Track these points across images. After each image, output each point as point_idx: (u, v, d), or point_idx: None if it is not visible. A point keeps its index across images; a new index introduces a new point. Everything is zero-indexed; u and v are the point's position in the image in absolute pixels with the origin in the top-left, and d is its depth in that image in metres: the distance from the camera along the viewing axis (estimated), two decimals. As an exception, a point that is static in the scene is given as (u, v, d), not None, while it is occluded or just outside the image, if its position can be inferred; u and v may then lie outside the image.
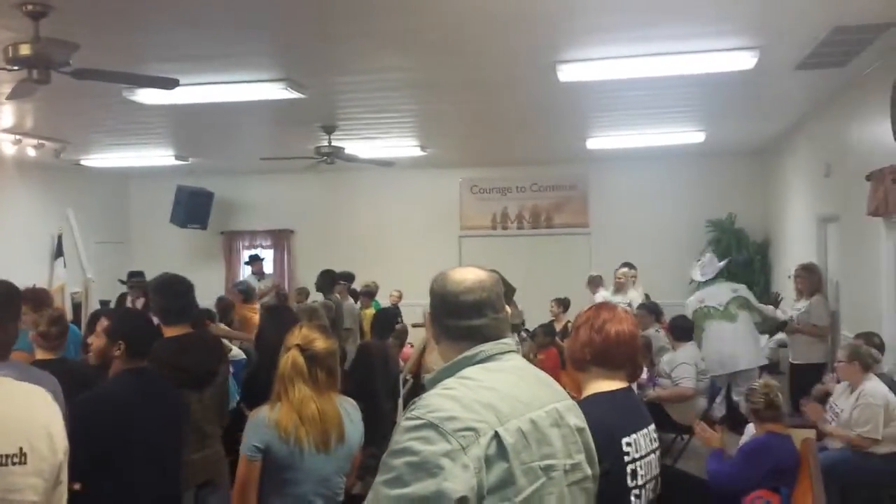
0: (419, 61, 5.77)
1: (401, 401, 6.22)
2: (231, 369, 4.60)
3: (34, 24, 4.20)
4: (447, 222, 12.33)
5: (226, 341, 5.63)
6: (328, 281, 8.52)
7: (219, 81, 6.06)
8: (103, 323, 3.27)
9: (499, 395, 1.73)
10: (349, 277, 9.57)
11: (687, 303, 7.78)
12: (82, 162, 10.46)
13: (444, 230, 12.26)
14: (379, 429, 5.02)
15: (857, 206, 6.15)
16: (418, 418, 1.64)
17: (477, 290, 1.89)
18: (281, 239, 12.98)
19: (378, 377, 5.91)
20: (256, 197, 12.91)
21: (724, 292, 7.50)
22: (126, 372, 3.18)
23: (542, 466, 1.72)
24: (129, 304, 8.54)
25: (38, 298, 5.61)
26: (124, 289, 9.20)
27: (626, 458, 2.18)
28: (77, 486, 2.50)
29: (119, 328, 3.22)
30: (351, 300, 9.17)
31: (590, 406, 2.12)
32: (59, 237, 10.68)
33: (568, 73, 5.77)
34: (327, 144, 8.54)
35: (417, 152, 10.03)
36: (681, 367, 6.56)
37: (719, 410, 7.21)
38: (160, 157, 10.44)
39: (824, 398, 5.68)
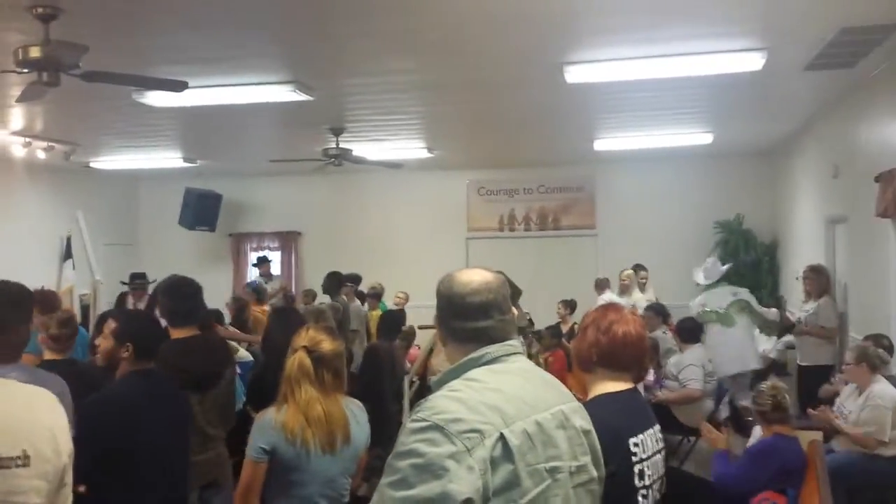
0: (427, 63, 5.78)
1: (406, 402, 6.22)
2: (238, 370, 4.61)
3: (44, 26, 4.23)
4: (454, 224, 12.33)
5: (232, 343, 5.64)
6: (335, 283, 8.53)
7: (227, 84, 6.08)
8: (111, 325, 3.27)
9: (504, 397, 1.73)
10: (356, 279, 9.58)
11: (690, 306, 7.78)
12: (92, 164, 10.51)
13: (451, 232, 12.26)
14: (385, 430, 5.02)
15: (865, 208, 6.13)
16: (424, 420, 1.64)
17: (483, 292, 1.89)
18: (288, 241, 13.00)
19: (385, 379, 5.91)
20: (264, 199, 12.94)
21: (724, 296, 7.49)
22: (133, 374, 3.18)
23: (547, 468, 1.72)
24: (130, 305, 8.56)
25: (47, 301, 5.64)
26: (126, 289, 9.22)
27: (634, 459, 2.17)
28: (82, 489, 2.51)
29: (127, 330, 3.22)
30: (357, 302, 9.18)
31: (597, 407, 2.12)
32: (69, 239, 10.73)
33: (575, 74, 5.77)
34: (335, 146, 8.56)
35: (425, 154, 10.04)
36: (688, 368, 6.54)
37: (725, 412, 7.20)
38: (169, 159, 10.47)
39: (832, 399, 5.66)
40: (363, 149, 9.20)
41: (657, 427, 2.35)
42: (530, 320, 8.75)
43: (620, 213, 11.69)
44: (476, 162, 11.69)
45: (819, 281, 7.16)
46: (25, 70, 4.33)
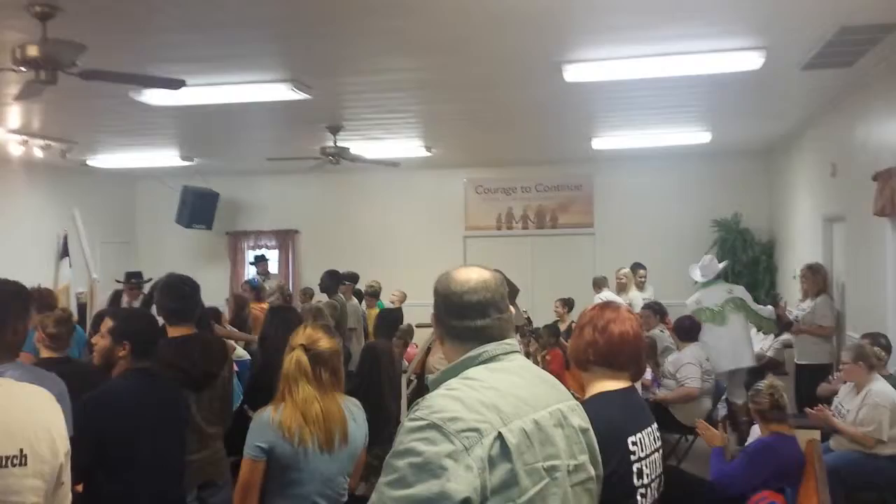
0: (424, 61, 5.78)
1: (404, 401, 6.22)
2: (235, 368, 4.60)
3: (41, 25, 4.23)
4: (452, 222, 12.33)
5: (230, 341, 5.63)
6: (333, 281, 8.53)
7: (225, 82, 6.07)
8: (108, 323, 3.26)
9: (502, 396, 1.73)
10: (353, 278, 9.58)
11: (686, 303, 7.79)
12: (89, 162, 10.49)
13: (449, 230, 12.27)
14: (384, 429, 5.02)
15: (863, 206, 6.14)
16: (421, 419, 1.64)
17: (481, 291, 1.88)
18: (286, 239, 13.00)
19: (383, 377, 5.91)
20: (262, 197, 12.94)
21: (720, 293, 7.49)
22: (131, 372, 3.18)
23: (545, 467, 1.72)
24: (124, 303, 8.55)
25: (44, 299, 5.63)
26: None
27: (633, 458, 2.17)
28: (78, 488, 2.50)
29: (125, 328, 3.21)
30: (355, 300, 9.18)
31: (595, 406, 2.12)
32: (65, 237, 10.71)
33: (573, 73, 5.77)
34: (333, 145, 8.55)
35: (423, 152, 10.03)
36: (686, 367, 6.55)
37: (723, 410, 7.21)
38: (166, 157, 10.46)
39: (830, 398, 5.66)
40: (361, 147, 9.20)
41: (655, 425, 2.35)
42: (529, 319, 8.75)
43: (618, 212, 11.69)
44: (474, 160, 11.69)
45: (816, 279, 7.17)
46: (23, 68, 4.32)
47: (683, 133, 9.15)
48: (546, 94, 6.79)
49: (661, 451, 2.35)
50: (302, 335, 2.96)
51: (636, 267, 10.09)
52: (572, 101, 7.16)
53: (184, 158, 10.52)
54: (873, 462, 4.89)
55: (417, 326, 8.89)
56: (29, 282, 3.04)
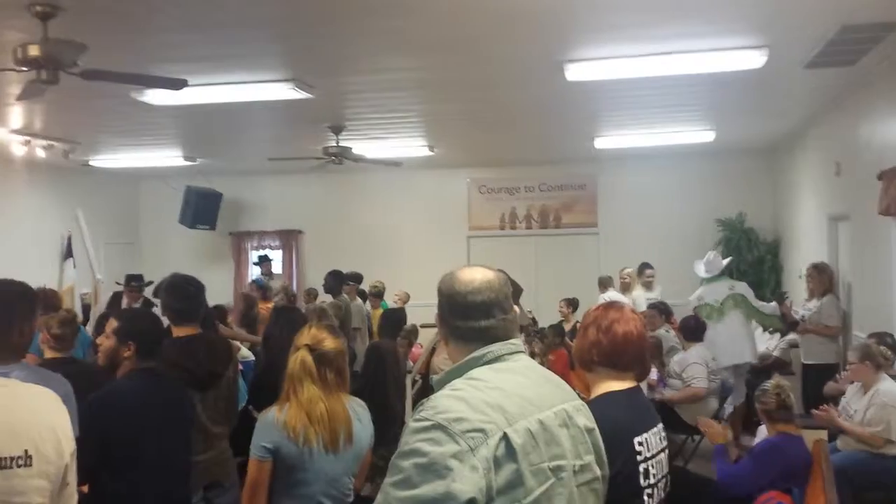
0: (426, 61, 5.77)
1: (409, 401, 6.21)
2: (240, 368, 4.59)
3: (43, 24, 4.22)
4: (455, 222, 12.33)
5: (234, 341, 5.63)
6: (336, 281, 8.53)
7: (227, 82, 6.07)
8: (113, 324, 3.26)
9: (507, 396, 1.72)
10: (357, 278, 9.57)
11: (689, 300, 7.80)
12: (91, 163, 10.50)
13: (452, 230, 12.26)
14: (389, 430, 5.01)
15: (868, 205, 6.12)
16: (426, 419, 1.64)
17: (485, 291, 1.87)
18: (289, 239, 13.00)
19: (388, 378, 5.90)
20: (265, 197, 12.94)
21: (721, 290, 7.51)
22: (136, 372, 3.18)
23: (551, 467, 1.71)
24: (124, 306, 8.54)
25: (49, 300, 5.64)
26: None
27: (639, 458, 2.17)
28: (84, 489, 2.50)
29: (129, 329, 3.21)
30: (359, 300, 9.18)
31: (601, 406, 2.11)
32: (69, 238, 10.71)
33: (576, 72, 5.76)
34: (335, 144, 8.55)
35: (425, 152, 10.03)
36: (692, 366, 6.53)
37: (730, 410, 7.19)
38: (169, 157, 10.46)
39: (837, 397, 5.65)
40: (363, 147, 9.20)
41: (660, 425, 2.34)
42: (533, 319, 8.75)
43: (622, 212, 11.68)
44: (477, 160, 11.68)
45: (822, 279, 7.15)
46: (24, 68, 4.33)
47: (687, 132, 9.14)
48: (548, 93, 6.79)
49: (667, 451, 2.33)
50: (307, 335, 2.96)
51: (644, 267, 10.06)
52: (575, 100, 7.15)
53: (186, 158, 10.52)
54: (881, 462, 4.88)
55: (421, 327, 8.89)
56: (33, 282, 3.03)
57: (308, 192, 12.60)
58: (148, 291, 8.14)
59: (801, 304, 7.60)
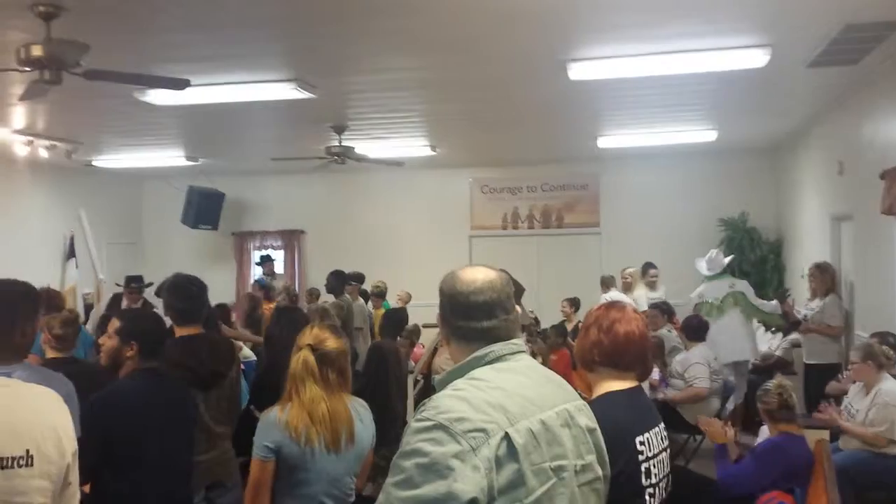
0: (429, 61, 5.77)
1: (411, 401, 6.21)
2: (242, 367, 4.59)
3: (46, 25, 4.23)
4: (458, 222, 12.32)
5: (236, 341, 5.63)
6: (339, 282, 8.54)
7: (229, 82, 6.07)
8: (115, 323, 3.27)
9: (508, 396, 1.72)
10: (359, 278, 9.58)
11: (690, 297, 7.80)
12: (94, 163, 10.50)
13: (454, 230, 12.26)
14: (391, 430, 5.02)
15: (870, 205, 6.11)
16: (428, 419, 1.63)
17: (487, 291, 1.87)
18: (291, 239, 13.00)
19: (390, 377, 5.90)
20: (267, 197, 12.94)
21: (722, 287, 7.52)
22: (138, 372, 3.18)
23: (552, 467, 1.71)
24: (124, 306, 8.55)
25: (51, 300, 5.64)
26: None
27: (641, 458, 2.16)
28: (86, 489, 2.50)
29: (132, 329, 3.22)
30: (361, 300, 9.18)
31: (602, 406, 2.11)
32: (71, 238, 10.73)
33: (578, 71, 5.75)
34: (338, 144, 8.55)
35: (428, 152, 10.03)
36: (694, 366, 6.53)
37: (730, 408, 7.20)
38: (171, 157, 10.47)
39: (839, 396, 5.64)
40: (366, 147, 9.19)
41: (662, 425, 2.34)
42: (536, 319, 8.74)
43: (624, 211, 11.66)
44: (479, 160, 11.68)
45: (825, 279, 7.15)
46: (27, 68, 4.33)
47: (689, 131, 9.13)
48: (551, 92, 6.78)
49: (668, 450, 2.33)
50: (309, 335, 2.96)
51: (647, 266, 10.06)
52: (577, 99, 7.14)
53: (189, 158, 10.53)
54: (882, 461, 4.87)
55: (423, 326, 8.89)
56: (36, 282, 3.04)
57: (310, 192, 12.60)
58: (148, 292, 8.15)
59: (804, 303, 7.60)
